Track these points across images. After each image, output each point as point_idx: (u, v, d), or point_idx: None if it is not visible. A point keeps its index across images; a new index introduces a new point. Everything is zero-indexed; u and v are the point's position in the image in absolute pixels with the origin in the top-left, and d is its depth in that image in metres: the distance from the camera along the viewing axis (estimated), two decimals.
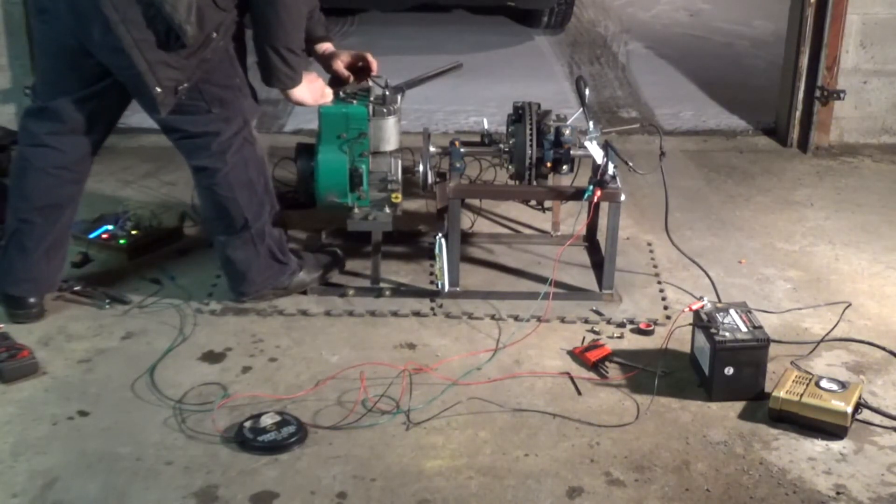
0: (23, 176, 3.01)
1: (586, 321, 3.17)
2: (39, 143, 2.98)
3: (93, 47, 2.81)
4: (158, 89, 2.80)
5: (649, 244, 3.73)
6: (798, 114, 4.81)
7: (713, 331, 2.74)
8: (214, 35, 2.84)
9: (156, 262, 3.50)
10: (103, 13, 2.70)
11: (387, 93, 3.26)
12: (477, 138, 3.53)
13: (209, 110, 2.94)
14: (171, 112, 2.88)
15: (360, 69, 3.36)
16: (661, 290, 3.39)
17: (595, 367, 2.89)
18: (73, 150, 3.00)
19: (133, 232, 3.57)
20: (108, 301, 3.20)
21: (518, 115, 3.36)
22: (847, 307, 3.21)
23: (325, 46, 3.34)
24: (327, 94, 3.19)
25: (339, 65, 3.32)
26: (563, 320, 3.16)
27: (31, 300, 3.09)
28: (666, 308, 3.27)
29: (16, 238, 3.03)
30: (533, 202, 3.99)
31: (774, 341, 2.88)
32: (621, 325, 3.15)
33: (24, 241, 3.03)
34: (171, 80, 2.81)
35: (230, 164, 3.01)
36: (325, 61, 3.35)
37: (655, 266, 3.56)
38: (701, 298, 2.92)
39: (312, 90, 3.14)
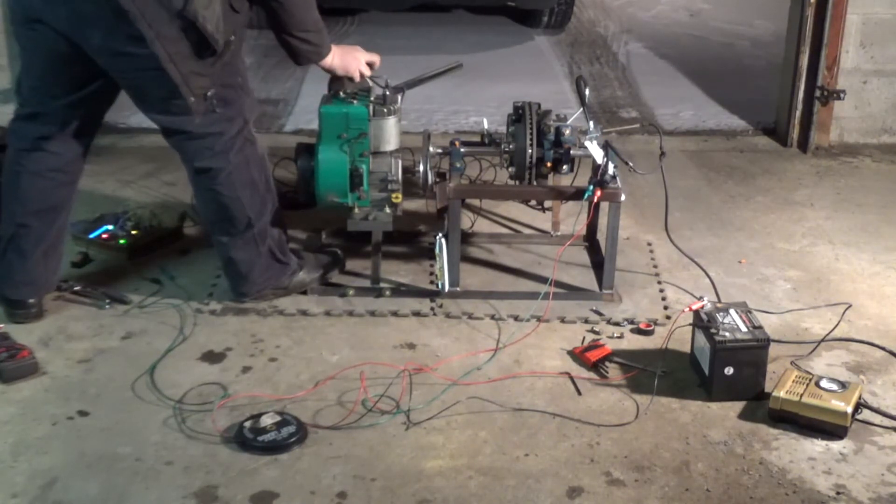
0: (17, 181, 3.02)
1: (586, 321, 3.17)
2: (33, 147, 2.99)
3: (92, 51, 2.81)
4: (192, 98, 2.83)
5: (649, 244, 3.73)
6: (798, 114, 4.81)
7: (713, 331, 2.74)
8: (233, 38, 2.88)
9: (156, 262, 3.50)
10: (138, 30, 2.70)
11: (387, 93, 3.26)
12: (477, 138, 3.53)
13: (213, 110, 2.95)
14: (173, 114, 2.89)
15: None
16: (661, 290, 3.39)
17: (595, 367, 2.89)
18: (67, 152, 3.02)
19: (133, 232, 3.57)
20: (108, 301, 3.20)
21: (518, 115, 3.36)
22: (847, 308, 3.21)
23: None
24: (360, 69, 3.23)
25: None
26: (563, 320, 3.17)
27: (31, 301, 3.09)
28: (666, 308, 3.27)
29: (13, 243, 3.04)
30: (533, 202, 3.99)
31: (774, 341, 2.87)
32: (621, 325, 3.15)
33: (21, 245, 3.03)
34: (202, 87, 2.84)
35: (233, 164, 3.02)
36: None
37: (655, 266, 3.56)
38: (701, 298, 2.92)
39: (343, 59, 3.19)
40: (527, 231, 3.85)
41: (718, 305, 2.89)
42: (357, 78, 3.25)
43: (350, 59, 3.21)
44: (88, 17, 2.74)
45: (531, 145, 3.28)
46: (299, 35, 3.01)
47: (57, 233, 3.08)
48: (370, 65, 3.32)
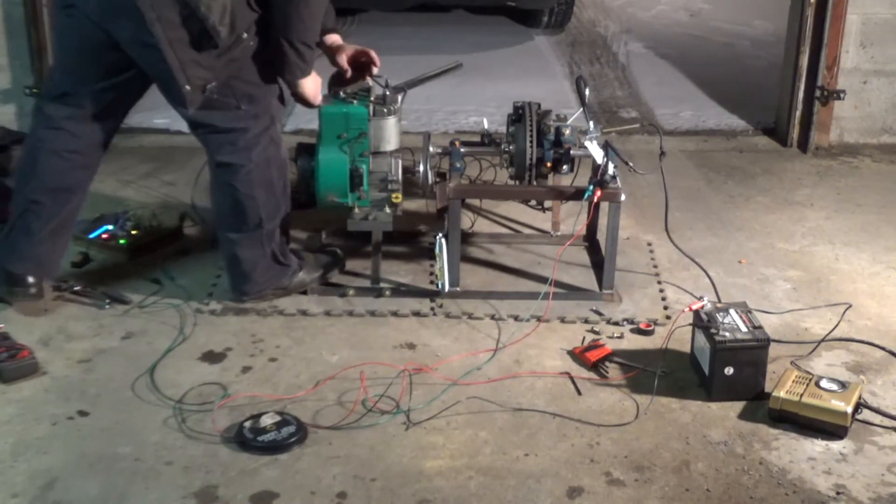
0: (35, 157, 3.05)
1: (586, 321, 3.17)
2: (56, 126, 3.01)
3: (122, 42, 2.85)
4: (188, 87, 2.83)
5: (649, 244, 3.73)
6: (798, 114, 4.81)
7: (713, 331, 2.74)
8: (245, 35, 2.88)
9: (156, 262, 3.50)
10: (140, 11, 2.73)
11: (387, 93, 3.26)
12: (477, 138, 3.53)
13: (238, 106, 2.96)
14: (201, 107, 2.91)
15: (363, 64, 3.37)
16: (661, 290, 3.38)
17: (595, 367, 2.89)
18: (89, 136, 3.05)
19: (133, 232, 3.57)
20: (108, 301, 3.20)
21: (518, 115, 3.36)
22: (847, 308, 3.21)
23: (333, 38, 3.36)
24: (317, 100, 3.20)
25: (343, 58, 3.33)
26: (563, 320, 3.16)
27: (31, 280, 3.10)
28: (666, 308, 3.27)
29: (23, 218, 3.06)
30: (533, 202, 3.99)
31: (774, 341, 2.87)
32: (621, 325, 3.15)
33: (30, 221, 3.06)
34: (200, 78, 2.85)
35: (254, 162, 3.03)
36: (331, 53, 3.37)
37: (655, 266, 3.56)
38: (701, 298, 2.92)
39: (315, 85, 3.15)
40: (527, 231, 3.85)
41: (718, 305, 2.89)
42: (313, 106, 3.20)
43: (316, 91, 3.15)
44: (117, 8, 2.77)
45: (531, 145, 3.28)
46: (298, 45, 2.97)
47: (66, 217, 3.10)
48: (368, 63, 3.32)
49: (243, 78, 2.96)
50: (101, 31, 2.85)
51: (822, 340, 3.03)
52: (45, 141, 3.03)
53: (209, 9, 2.74)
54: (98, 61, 2.93)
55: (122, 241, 3.52)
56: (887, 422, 2.67)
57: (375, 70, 3.36)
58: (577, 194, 3.26)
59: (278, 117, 3.12)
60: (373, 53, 3.36)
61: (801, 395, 2.62)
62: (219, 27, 2.77)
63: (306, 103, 3.16)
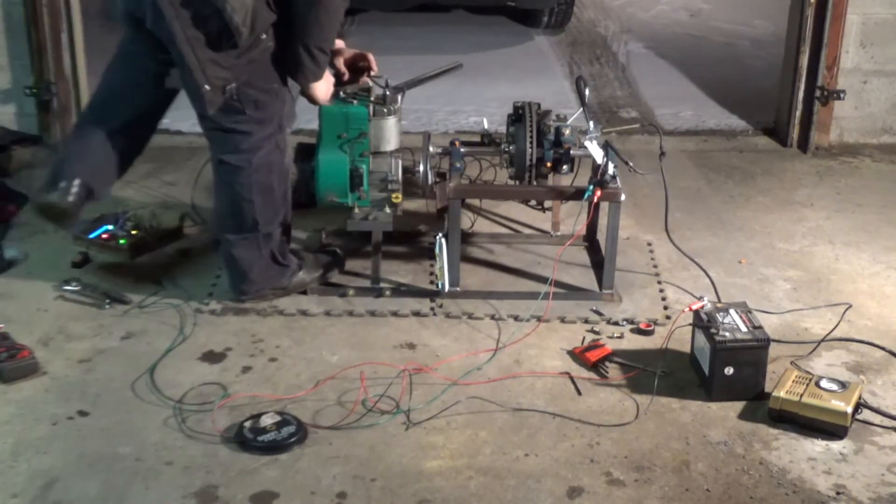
0: (108, 67, 3.13)
1: (586, 321, 3.17)
2: (129, 53, 3.07)
3: (150, 29, 2.89)
4: (207, 87, 2.85)
5: (649, 244, 3.73)
6: (798, 114, 4.81)
7: (713, 331, 2.74)
8: (264, 36, 2.89)
9: (156, 262, 3.50)
10: (159, 7, 2.77)
11: (387, 93, 3.26)
12: (477, 138, 3.53)
13: (243, 111, 2.96)
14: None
15: (360, 68, 3.37)
16: (661, 290, 3.38)
17: (595, 367, 2.89)
18: (153, 79, 3.07)
19: (133, 232, 3.57)
20: (108, 301, 3.20)
21: (518, 115, 3.36)
22: (847, 308, 3.21)
23: (337, 42, 3.35)
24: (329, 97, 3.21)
25: (340, 61, 3.34)
26: (563, 320, 3.16)
27: (62, 184, 3.02)
28: (666, 308, 3.27)
29: (80, 123, 3.22)
30: (533, 202, 3.99)
31: (774, 341, 2.87)
32: (621, 325, 3.15)
33: (84, 125, 3.16)
34: (220, 78, 2.86)
35: (254, 166, 3.03)
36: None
37: (655, 266, 3.56)
38: (701, 298, 2.92)
39: (328, 86, 3.16)
40: (527, 231, 3.85)
41: (718, 305, 2.89)
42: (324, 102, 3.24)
43: (328, 92, 3.16)
44: (143, 2, 2.82)
45: (531, 145, 3.28)
46: (314, 51, 2.97)
47: (120, 131, 3.08)
48: (366, 67, 3.33)
49: (251, 84, 2.96)
50: (136, 21, 2.90)
51: (822, 340, 3.03)
52: (118, 59, 3.10)
53: (234, 9, 2.76)
54: (148, 43, 2.97)
55: (122, 241, 3.51)
56: (887, 422, 2.67)
57: (373, 74, 3.36)
58: (577, 194, 3.26)
59: (288, 124, 3.12)
60: (370, 57, 3.36)
61: (801, 395, 2.62)
62: (242, 28, 2.79)
63: (315, 102, 3.16)
